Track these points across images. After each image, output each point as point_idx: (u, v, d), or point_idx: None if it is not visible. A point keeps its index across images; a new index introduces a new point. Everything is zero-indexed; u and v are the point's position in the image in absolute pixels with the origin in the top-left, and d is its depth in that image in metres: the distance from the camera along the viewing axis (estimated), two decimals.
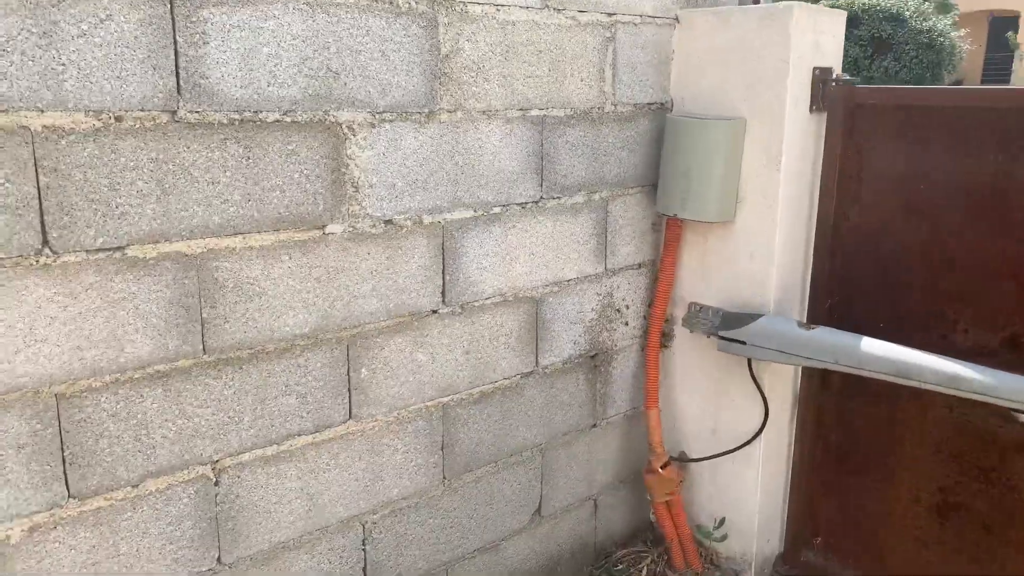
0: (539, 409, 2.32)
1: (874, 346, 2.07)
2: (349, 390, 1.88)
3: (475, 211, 2.04)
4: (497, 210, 2.08)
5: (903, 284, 2.25)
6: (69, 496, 1.51)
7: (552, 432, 2.38)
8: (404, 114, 1.84)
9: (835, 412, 2.46)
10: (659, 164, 2.40)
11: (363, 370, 1.90)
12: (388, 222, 1.87)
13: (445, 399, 2.08)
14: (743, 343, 2.26)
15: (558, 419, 2.38)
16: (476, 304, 2.09)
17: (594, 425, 2.50)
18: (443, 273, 2.00)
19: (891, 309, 2.28)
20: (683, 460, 2.58)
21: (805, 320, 2.42)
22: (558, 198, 2.22)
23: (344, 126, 1.75)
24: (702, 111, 2.37)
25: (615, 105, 2.30)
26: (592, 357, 2.44)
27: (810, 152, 2.31)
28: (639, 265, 2.51)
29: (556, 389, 2.36)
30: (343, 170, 1.77)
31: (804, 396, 2.48)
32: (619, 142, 2.33)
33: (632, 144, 2.37)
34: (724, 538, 2.56)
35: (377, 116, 1.80)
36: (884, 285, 2.29)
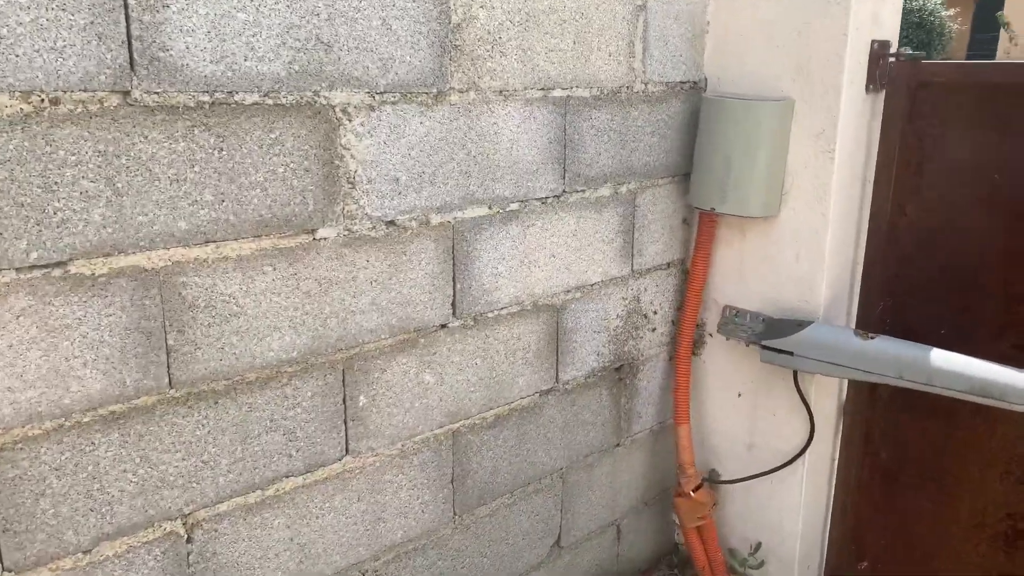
0: (559, 430, 2.05)
1: (947, 360, 1.82)
2: (345, 422, 1.60)
3: (490, 208, 1.75)
4: (514, 206, 1.80)
5: (970, 287, 2.00)
6: (3, 570, 1.22)
7: (573, 455, 2.11)
8: (408, 95, 1.55)
9: (885, 426, 2.21)
10: (692, 152, 2.12)
11: (361, 398, 1.61)
12: (391, 223, 1.58)
13: (456, 425, 1.81)
14: (791, 354, 2.00)
15: (579, 440, 2.12)
16: (490, 316, 1.81)
17: (618, 444, 2.24)
18: (453, 281, 1.71)
19: (955, 315, 2.03)
20: (717, 481, 2.33)
21: (855, 326, 2.16)
22: (582, 191, 1.94)
23: (338, 109, 1.45)
24: (741, 91, 2.09)
25: (645, 84, 2.01)
26: (617, 369, 2.17)
27: (863, 138, 2.04)
28: (668, 265, 2.24)
29: (578, 407, 2.09)
30: (337, 163, 1.47)
31: (851, 409, 2.23)
32: (649, 126, 2.05)
33: (663, 128, 2.09)
34: (760, 565, 2.32)
35: (377, 97, 1.50)
36: (947, 288, 2.03)
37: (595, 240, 2.00)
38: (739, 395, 2.27)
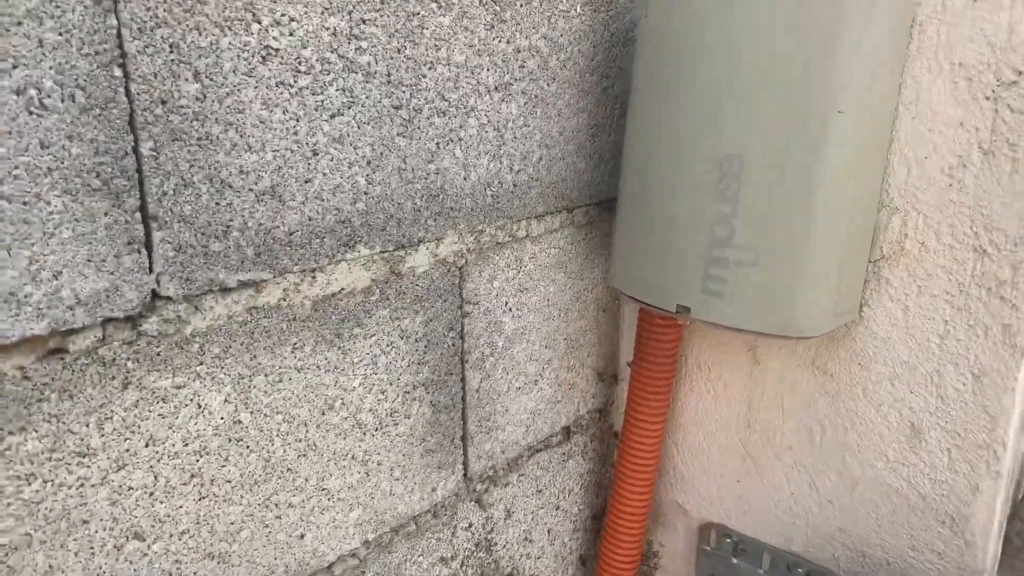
0: None
1: None
2: None
3: None
4: None
5: None
6: None
7: None
8: None
9: None
10: (618, 145, 0.77)
11: None
12: None
13: None
14: None
15: None
16: None
17: None
18: None
19: None
20: None
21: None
22: (221, 292, 0.55)
23: None
24: None
25: None
26: None
27: None
28: (566, 432, 0.88)
29: None
30: None
31: None
32: (495, 74, 0.68)
33: (533, 73, 0.72)
34: None
35: None
36: None
37: (331, 431, 0.62)
38: None
